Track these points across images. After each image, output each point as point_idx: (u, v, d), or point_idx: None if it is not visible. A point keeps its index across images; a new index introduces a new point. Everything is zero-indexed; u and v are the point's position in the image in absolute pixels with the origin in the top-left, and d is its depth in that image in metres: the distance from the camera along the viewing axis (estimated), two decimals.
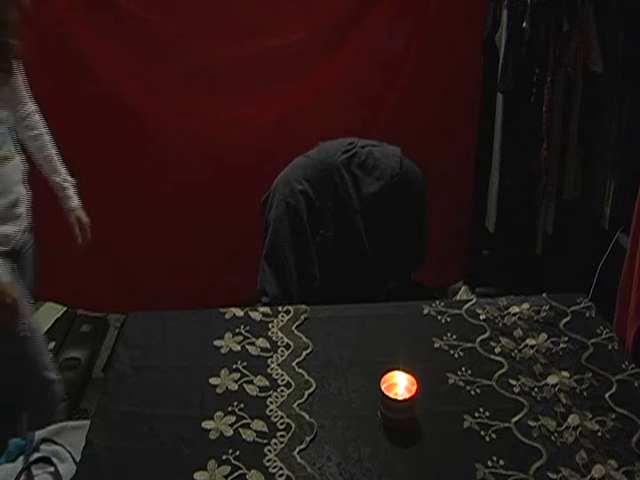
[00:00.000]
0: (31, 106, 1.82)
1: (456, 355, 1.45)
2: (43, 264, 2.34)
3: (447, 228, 2.52)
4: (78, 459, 1.25)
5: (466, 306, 1.60)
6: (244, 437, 1.24)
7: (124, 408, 1.31)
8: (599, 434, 1.25)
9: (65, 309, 2.77)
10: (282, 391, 1.34)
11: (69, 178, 1.89)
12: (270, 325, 1.53)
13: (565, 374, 1.38)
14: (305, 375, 1.38)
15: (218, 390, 1.35)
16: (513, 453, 1.21)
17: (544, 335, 1.50)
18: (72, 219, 1.91)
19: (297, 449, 1.21)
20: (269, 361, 1.42)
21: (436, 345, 1.47)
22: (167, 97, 2.25)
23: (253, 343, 1.47)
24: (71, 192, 1.90)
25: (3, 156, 1.65)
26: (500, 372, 1.40)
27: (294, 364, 1.41)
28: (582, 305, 1.60)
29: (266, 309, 1.58)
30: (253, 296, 1.93)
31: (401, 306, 1.65)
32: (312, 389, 1.35)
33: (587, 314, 1.57)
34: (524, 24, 2.20)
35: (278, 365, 1.41)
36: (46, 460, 1.92)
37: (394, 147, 2.05)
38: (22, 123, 1.81)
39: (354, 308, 1.62)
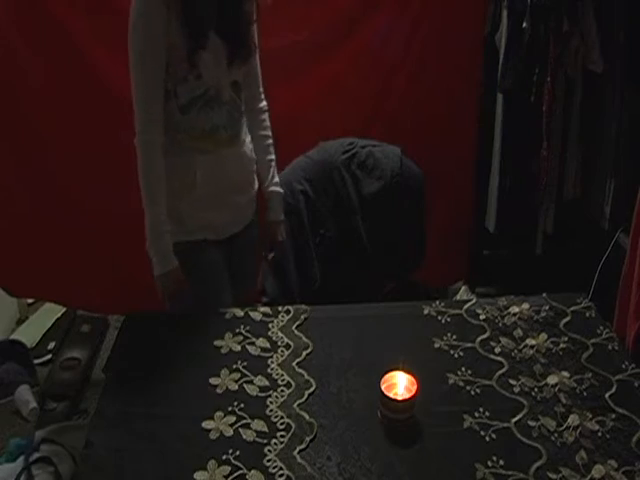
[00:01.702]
0: (265, 104, 1.81)
1: (456, 355, 1.45)
2: (42, 265, 2.34)
3: (447, 228, 2.52)
4: (78, 459, 1.25)
5: (466, 306, 1.60)
6: (244, 437, 1.24)
7: (124, 408, 1.31)
8: (599, 434, 1.25)
9: (65, 309, 2.77)
10: (282, 391, 1.34)
11: (280, 190, 1.83)
12: (270, 325, 1.53)
13: (565, 374, 1.38)
14: (305, 375, 1.38)
15: (218, 390, 1.35)
16: (513, 453, 1.21)
17: (544, 335, 1.50)
18: (269, 231, 1.83)
19: (297, 449, 1.21)
20: (269, 361, 1.42)
21: (436, 345, 1.47)
22: None
23: (253, 343, 1.47)
24: (277, 204, 1.83)
25: (227, 137, 1.65)
26: (500, 372, 1.40)
27: (294, 364, 1.41)
28: (582, 305, 1.60)
29: (266, 309, 1.58)
30: (253, 296, 1.93)
31: (401, 306, 1.65)
32: (312, 389, 1.35)
33: (587, 314, 1.57)
34: (524, 24, 2.20)
35: (278, 365, 1.41)
36: (46, 460, 1.92)
37: (394, 147, 2.05)
38: (255, 119, 1.79)
39: (354, 308, 1.62)
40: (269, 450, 1.21)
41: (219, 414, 1.28)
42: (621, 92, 2.21)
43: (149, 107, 1.58)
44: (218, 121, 1.64)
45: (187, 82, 1.58)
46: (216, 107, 1.63)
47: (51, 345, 2.65)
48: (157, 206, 1.61)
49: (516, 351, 1.46)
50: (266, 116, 1.82)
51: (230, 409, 1.30)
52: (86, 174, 2.25)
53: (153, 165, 1.62)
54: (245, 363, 1.41)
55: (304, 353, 1.44)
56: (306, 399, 1.32)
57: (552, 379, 1.37)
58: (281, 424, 1.26)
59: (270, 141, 1.82)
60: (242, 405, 1.31)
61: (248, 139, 1.76)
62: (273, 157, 1.83)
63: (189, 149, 1.63)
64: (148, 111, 1.58)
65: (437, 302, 1.61)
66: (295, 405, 1.30)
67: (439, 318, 1.56)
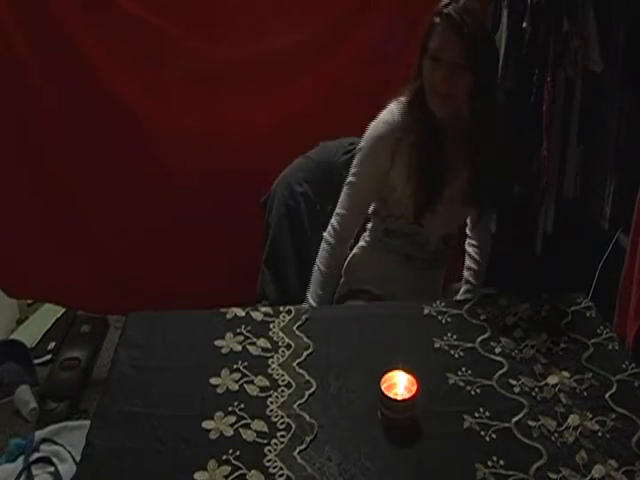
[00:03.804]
0: (480, 242, 1.86)
1: (456, 355, 1.45)
2: (42, 266, 2.35)
3: None
4: (78, 459, 1.25)
5: (466, 306, 1.60)
6: (244, 437, 1.24)
7: (124, 408, 1.31)
8: (599, 434, 1.25)
9: (65, 309, 2.77)
10: (282, 391, 1.34)
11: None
12: (271, 325, 1.53)
13: (565, 374, 1.38)
14: (305, 375, 1.38)
15: (218, 390, 1.35)
16: (513, 453, 1.21)
17: (544, 335, 1.50)
18: None
19: (297, 449, 1.21)
20: (270, 361, 1.42)
21: (436, 345, 1.47)
22: (167, 98, 2.24)
23: (254, 343, 1.47)
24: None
25: (422, 266, 1.76)
26: (500, 372, 1.40)
27: (295, 364, 1.41)
28: (582, 305, 1.60)
29: (267, 309, 1.58)
30: (253, 298, 1.92)
31: (401, 306, 1.65)
32: (312, 389, 1.35)
33: (587, 314, 1.57)
34: (524, 24, 2.20)
35: (279, 365, 1.41)
36: (46, 460, 1.93)
37: None
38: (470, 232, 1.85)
39: (354, 308, 1.62)
40: (269, 450, 1.21)
41: (219, 414, 1.28)
42: (621, 92, 2.21)
43: (345, 219, 1.68)
44: (416, 255, 1.73)
45: (399, 221, 1.66)
46: (417, 248, 1.72)
47: (51, 345, 2.65)
48: (312, 287, 1.71)
49: (516, 351, 1.46)
50: (475, 252, 1.86)
51: (230, 409, 1.30)
52: (86, 174, 2.25)
53: (321, 260, 1.71)
54: (246, 363, 1.41)
55: (305, 353, 1.44)
56: (306, 399, 1.32)
57: (552, 379, 1.37)
58: (281, 424, 1.26)
59: (482, 267, 1.86)
60: (242, 405, 1.31)
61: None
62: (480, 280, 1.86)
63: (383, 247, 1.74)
64: (341, 223, 1.69)
65: (437, 302, 1.61)
66: (295, 405, 1.31)
67: (439, 318, 1.56)
